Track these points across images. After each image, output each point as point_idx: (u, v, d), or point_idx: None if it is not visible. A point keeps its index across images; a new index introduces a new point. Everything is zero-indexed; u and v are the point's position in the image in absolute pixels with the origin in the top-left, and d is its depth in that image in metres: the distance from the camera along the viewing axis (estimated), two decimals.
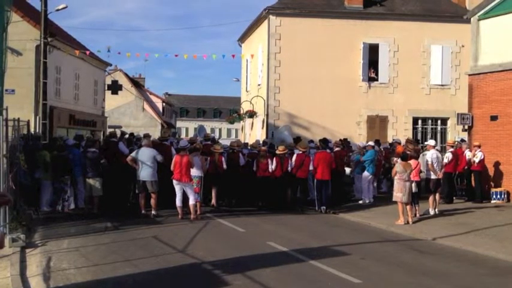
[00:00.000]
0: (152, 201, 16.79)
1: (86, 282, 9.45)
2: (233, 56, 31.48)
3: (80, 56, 32.11)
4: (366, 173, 20.53)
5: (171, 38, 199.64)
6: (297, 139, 23.48)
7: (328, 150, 19.54)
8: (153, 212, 16.77)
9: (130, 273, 10.05)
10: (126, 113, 67.30)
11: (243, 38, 38.61)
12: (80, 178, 17.50)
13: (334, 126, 28.93)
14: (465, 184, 21.69)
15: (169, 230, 14.74)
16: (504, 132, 21.27)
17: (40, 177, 16.91)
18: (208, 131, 35.23)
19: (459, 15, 27.32)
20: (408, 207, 16.14)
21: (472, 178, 21.16)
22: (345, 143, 22.34)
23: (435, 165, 17.79)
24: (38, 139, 19.01)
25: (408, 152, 17.60)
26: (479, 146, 20.80)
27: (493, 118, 21.74)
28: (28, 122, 19.35)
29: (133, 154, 17.05)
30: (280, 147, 19.56)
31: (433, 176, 17.74)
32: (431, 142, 19.06)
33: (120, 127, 44.20)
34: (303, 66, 29.67)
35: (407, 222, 15.91)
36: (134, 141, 20.10)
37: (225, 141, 29.13)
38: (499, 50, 21.64)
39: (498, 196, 20.78)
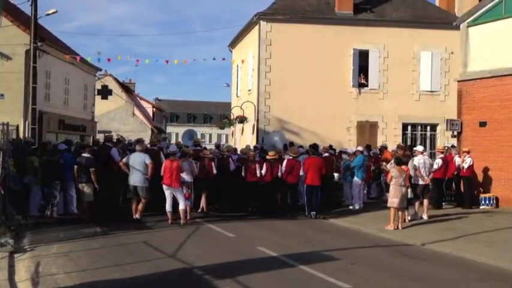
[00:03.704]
0: (140, 206, 16.66)
1: (74, 286, 9.41)
2: (223, 59, 31.48)
3: (70, 61, 32.02)
4: (356, 179, 20.56)
5: (162, 44, 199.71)
6: (290, 144, 23.50)
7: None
8: (136, 215, 16.65)
9: (120, 278, 10.02)
10: (116, 118, 67.18)
11: (233, 44, 38.65)
12: (70, 183, 17.42)
13: (325, 131, 28.96)
14: (454, 190, 21.78)
15: (159, 235, 14.71)
16: (493, 138, 21.40)
17: (29, 182, 16.81)
18: (198, 136, 35.18)
19: (448, 22, 27.48)
20: (400, 212, 16.16)
21: (461, 184, 21.26)
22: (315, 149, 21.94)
23: (422, 170, 17.81)
24: (29, 144, 18.91)
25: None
26: (468, 152, 20.91)
27: (482, 124, 21.86)
28: (17, 127, 19.25)
29: (124, 159, 16.99)
30: (270, 153, 19.57)
31: (420, 182, 17.77)
32: (419, 148, 19.12)
33: (109, 132, 44.04)
34: (294, 71, 29.72)
35: (397, 228, 15.93)
36: (126, 146, 19.97)
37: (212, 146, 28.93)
38: (488, 56, 21.79)
39: (487, 202, 20.88)
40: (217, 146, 22.52)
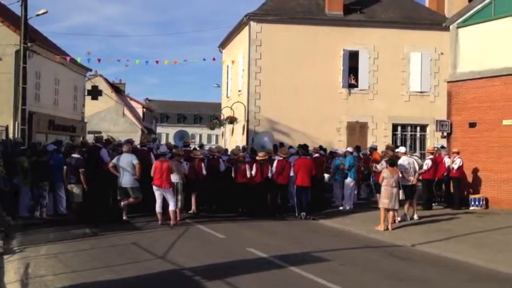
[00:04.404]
0: (126, 203, 16.72)
1: None
2: (214, 59, 31.42)
3: (60, 61, 31.91)
4: (348, 179, 20.56)
5: (153, 44, 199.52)
6: (280, 145, 23.48)
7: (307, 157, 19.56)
8: (124, 216, 16.77)
9: (109, 279, 9.99)
10: (106, 118, 66.92)
11: (223, 44, 38.66)
12: (60, 184, 17.36)
13: (315, 132, 29.03)
14: (444, 191, 21.84)
15: (149, 236, 14.67)
16: (482, 139, 21.46)
17: (19, 183, 16.75)
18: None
19: (438, 23, 27.61)
20: (390, 213, 16.18)
21: (451, 185, 21.32)
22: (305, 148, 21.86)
23: (408, 171, 17.79)
24: (18, 144, 18.83)
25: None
26: (458, 153, 20.97)
27: (472, 125, 21.93)
28: (7, 128, 19.19)
29: (114, 161, 16.95)
30: (260, 154, 19.57)
31: (408, 183, 17.78)
32: (401, 149, 19.15)
33: (100, 132, 43.93)
34: (284, 72, 29.78)
35: (387, 229, 15.96)
36: (116, 147, 19.93)
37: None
38: (478, 57, 21.85)
39: (477, 203, 20.91)
40: (201, 146, 22.59)
